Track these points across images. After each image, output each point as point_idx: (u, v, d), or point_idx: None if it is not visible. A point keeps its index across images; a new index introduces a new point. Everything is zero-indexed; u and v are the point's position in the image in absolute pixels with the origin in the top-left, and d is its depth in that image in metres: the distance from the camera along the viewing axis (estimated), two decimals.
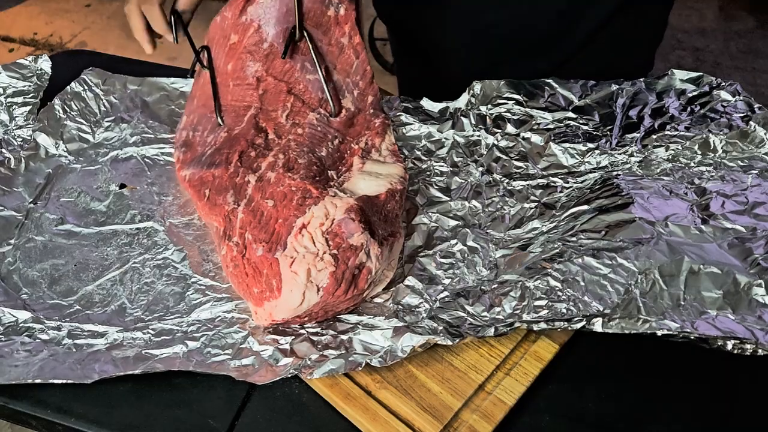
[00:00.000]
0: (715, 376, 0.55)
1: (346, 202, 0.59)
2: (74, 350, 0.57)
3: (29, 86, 0.80)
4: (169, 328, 0.58)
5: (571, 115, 0.74)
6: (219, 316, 0.58)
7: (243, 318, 0.58)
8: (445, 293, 0.59)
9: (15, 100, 0.78)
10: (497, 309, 0.56)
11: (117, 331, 0.58)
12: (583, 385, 0.55)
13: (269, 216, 0.59)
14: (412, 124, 0.76)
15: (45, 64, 0.82)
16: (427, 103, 0.78)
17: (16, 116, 0.77)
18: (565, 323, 0.53)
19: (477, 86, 0.76)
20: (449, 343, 0.53)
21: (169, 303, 0.60)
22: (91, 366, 0.55)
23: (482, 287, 0.58)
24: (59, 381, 0.54)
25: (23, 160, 0.73)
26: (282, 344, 0.55)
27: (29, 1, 2.12)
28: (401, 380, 0.54)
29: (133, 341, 0.57)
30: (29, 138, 0.75)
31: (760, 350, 0.51)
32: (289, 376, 0.52)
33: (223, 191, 0.63)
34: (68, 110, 0.79)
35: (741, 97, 0.72)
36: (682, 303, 0.54)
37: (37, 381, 0.54)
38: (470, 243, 0.64)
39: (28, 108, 0.78)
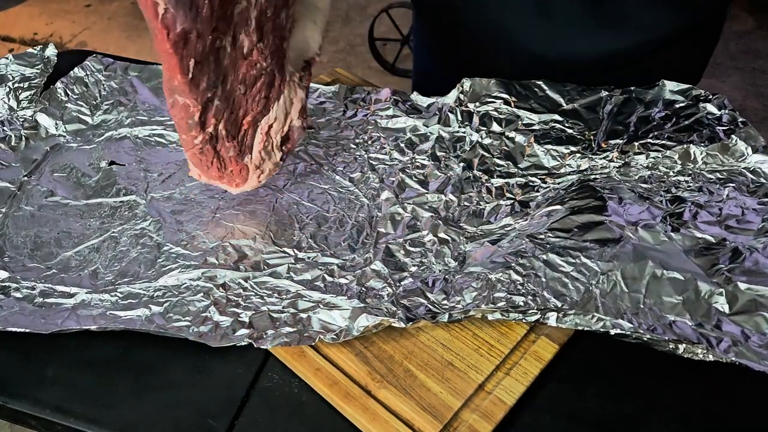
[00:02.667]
0: (714, 376, 0.55)
1: (299, 98, 0.65)
2: (44, 308, 0.59)
3: (36, 72, 0.83)
4: (136, 292, 0.59)
5: (557, 117, 0.75)
6: (185, 283, 0.60)
7: (208, 287, 0.59)
8: (410, 280, 0.60)
9: (22, 85, 0.81)
10: (458, 298, 0.57)
11: (86, 293, 0.60)
12: (583, 385, 0.55)
13: (239, 105, 0.60)
14: (398, 116, 0.77)
15: (51, 52, 0.86)
16: (416, 97, 0.79)
17: (21, 99, 0.80)
18: (521, 315, 0.54)
19: (467, 83, 0.77)
20: (402, 325, 0.53)
21: (140, 270, 0.62)
22: (54, 321, 0.56)
23: (446, 277, 0.59)
24: (19, 330, 0.55)
25: (23, 139, 0.76)
26: (242, 317, 0.57)
27: (29, 1, 2.13)
28: (401, 380, 0.54)
29: (100, 302, 0.59)
30: (31, 118, 0.78)
31: (710, 356, 0.51)
32: (244, 344, 0.53)
33: (206, 65, 0.55)
34: (70, 94, 0.81)
35: (726, 111, 0.72)
36: (642, 306, 0.54)
37: None
38: (441, 235, 0.64)
39: (32, 92, 0.81)
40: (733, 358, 0.50)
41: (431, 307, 0.56)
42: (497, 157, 0.72)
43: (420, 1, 0.89)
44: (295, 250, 0.63)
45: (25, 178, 0.73)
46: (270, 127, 0.64)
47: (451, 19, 0.84)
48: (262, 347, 0.55)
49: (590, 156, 0.71)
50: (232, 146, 0.60)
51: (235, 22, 0.56)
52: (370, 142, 0.75)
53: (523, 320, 0.54)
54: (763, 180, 0.66)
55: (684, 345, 0.51)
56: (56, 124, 0.78)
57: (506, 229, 0.65)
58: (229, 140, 0.60)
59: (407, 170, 0.71)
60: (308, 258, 0.62)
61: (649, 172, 0.68)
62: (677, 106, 0.74)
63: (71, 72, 0.83)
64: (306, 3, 0.62)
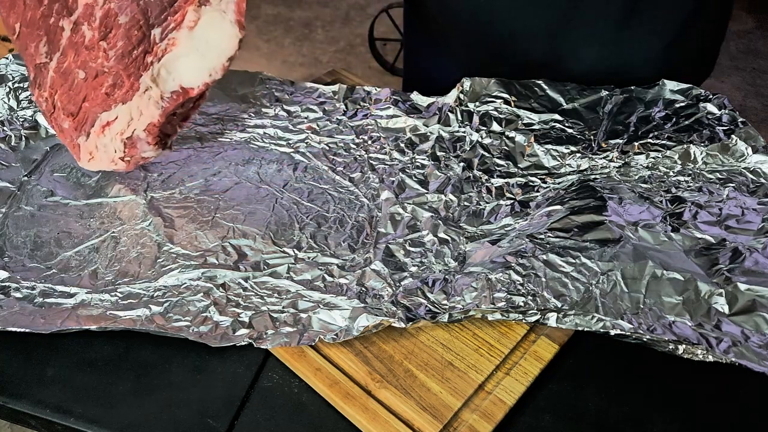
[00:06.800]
0: (715, 376, 0.55)
1: (150, 114, 0.62)
2: (44, 308, 0.59)
3: None
4: (137, 292, 0.59)
5: (557, 117, 0.75)
6: (185, 283, 0.60)
7: (208, 287, 0.59)
8: (410, 280, 0.60)
9: (22, 85, 0.81)
10: (458, 298, 0.57)
11: (86, 293, 0.60)
12: (584, 385, 0.55)
13: (79, 88, 0.61)
14: (399, 116, 0.77)
15: None
16: (416, 97, 0.78)
17: (21, 99, 0.80)
18: (521, 315, 0.54)
19: (467, 83, 0.77)
20: (402, 325, 0.53)
21: (140, 270, 0.62)
22: (54, 321, 0.56)
23: (447, 277, 0.59)
24: (19, 330, 0.55)
25: (23, 139, 0.76)
26: (242, 317, 0.57)
27: None
28: (401, 380, 0.54)
29: (100, 302, 0.59)
30: (31, 118, 0.78)
31: (710, 356, 0.51)
32: (244, 344, 0.54)
33: (36, 34, 0.60)
34: None
35: (726, 111, 0.72)
36: (642, 306, 0.54)
37: None
38: (441, 235, 0.64)
39: None
40: (733, 359, 0.50)
41: (431, 307, 0.56)
42: (497, 157, 0.72)
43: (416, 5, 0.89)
44: (295, 250, 0.63)
45: (25, 178, 0.73)
46: (108, 123, 0.64)
47: (448, 21, 0.84)
48: (262, 347, 0.55)
49: (590, 156, 0.71)
50: (68, 120, 0.64)
51: (79, 11, 0.59)
52: (370, 142, 0.75)
53: (523, 320, 0.54)
54: (763, 180, 0.66)
55: (684, 345, 0.51)
56: None
57: (506, 229, 0.65)
58: (66, 114, 0.63)
59: (407, 170, 0.71)
60: (308, 258, 0.62)
61: (649, 172, 0.68)
62: (677, 105, 0.74)
63: None
64: (195, 35, 0.60)
